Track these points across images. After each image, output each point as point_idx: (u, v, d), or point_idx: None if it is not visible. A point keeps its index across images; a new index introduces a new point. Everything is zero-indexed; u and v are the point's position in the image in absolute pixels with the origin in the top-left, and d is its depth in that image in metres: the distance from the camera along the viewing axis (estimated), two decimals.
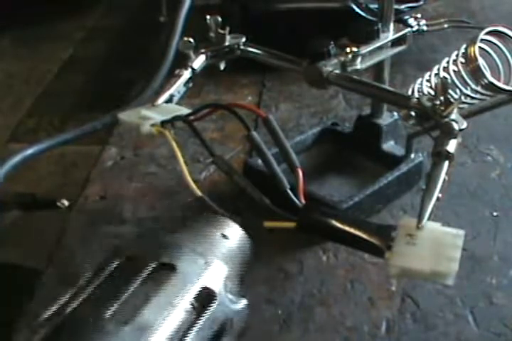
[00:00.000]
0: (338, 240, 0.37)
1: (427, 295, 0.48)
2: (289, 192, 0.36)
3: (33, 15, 1.01)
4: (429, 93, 0.53)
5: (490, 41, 0.50)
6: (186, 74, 0.52)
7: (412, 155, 0.58)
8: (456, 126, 0.42)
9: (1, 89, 0.85)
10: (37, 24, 1.01)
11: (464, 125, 0.42)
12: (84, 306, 0.34)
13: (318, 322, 0.47)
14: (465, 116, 0.44)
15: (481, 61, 0.49)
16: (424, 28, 0.57)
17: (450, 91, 0.48)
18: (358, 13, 0.76)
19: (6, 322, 0.49)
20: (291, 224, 0.35)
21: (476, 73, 0.49)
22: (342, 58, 0.51)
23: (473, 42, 0.49)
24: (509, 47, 0.50)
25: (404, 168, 0.57)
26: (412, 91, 0.54)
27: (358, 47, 0.51)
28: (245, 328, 0.46)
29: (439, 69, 0.52)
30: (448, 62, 0.52)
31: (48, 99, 0.82)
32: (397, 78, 0.75)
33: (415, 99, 0.46)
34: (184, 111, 0.45)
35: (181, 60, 0.54)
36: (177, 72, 0.53)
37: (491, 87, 0.49)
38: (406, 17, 0.56)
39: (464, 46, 0.51)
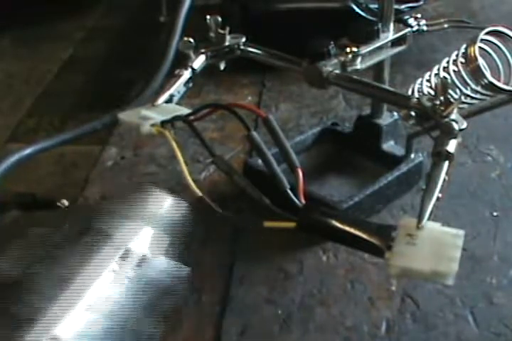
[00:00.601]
0: (338, 240, 0.37)
1: (427, 295, 0.49)
2: (289, 192, 0.36)
3: (33, 15, 1.01)
4: (429, 93, 0.53)
5: (490, 41, 0.50)
6: (186, 74, 0.52)
7: (412, 155, 0.58)
8: (456, 126, 0.42)
9: (1, 89, 0.85)
10: (37, 24, 1.01)
11: (464, 125, 0.42)
12: (15, 266, 0.37)
13: (318, 322, 0.47)
14: (465, 116, 0.44)
15: (481, 61, 0.49)
16: (424, 28, 0.57)
17: (450, 91, 0.48)
18: (358, 13, 0.76)
19: None
20: (291, 224, 0.35)
21: (476, 73, 0.49)
22: (342, 58, 0.51)
23: (473, 42, 0.49)
24: (509, 47, 0.50)
25: (404, 168, 0.57)
26: (412, 92, 0.54)
27: (358, 47, 0.51)
28: (245, 328, 0.47)
29: (439, 69, 0.52)
30: (448, 62, 0.52)
31: (48, 99, 0.82)
32: (397, 78, 0.75)
33: (415, 99, 0.46)
34: (184, 111, 0.45)
35: (181, 60, 0.54)
36: (177, 72, 0.53)
37: (490, 87, 0.49)
38: (406, 17, 0.56)
39: (464, 46, 0.51)
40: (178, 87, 0.51)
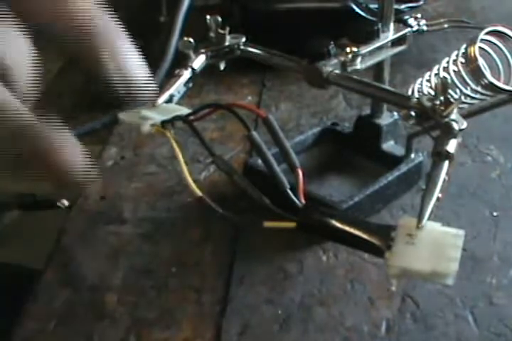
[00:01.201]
0: (338, 240, 0.37)
1: (427, 295, 0.48)
2: (289, 192, 0.36)
3: None
4: (429, 93, 0.53)
5: (490, 41, 0.50)
6: (186, 74, 0.52)
7: (412, 155, 0.58)
8: (456, 126, 0.42)
9: None
10: None
11: (464, 125, 0.42)
12: None
13: (318, 322, 0.47)
14: (465, 116, 0.44)
15: (481, 61, 0.49)
16: (424, 28, 0.57)
17: (450, 91, 0.48)
18: (358, 13, 0.76)
19: (5, 323, 0.49)
20: (291, 224, 0.35)
21: (476, 73, 0.49)
22: (342, 58, 0.51)
23: (473, 42, 0.49)
24: (509, 48, 0.50)
25: (404, 168, 0.57)
26: (412, 92, 0.54)
27: (358, 47, 0.51)
28: (245, 328, 0.47)
29: (439, 70, 0.52)
30: (448, 62, 0.52)
31: (48, 99, 0.82)
32: (397, 78, 0.75)
33: (415, 99, 0.46)
34: (184, 111, 0.45)
35: (181, 60, 0.54)
36: (177, 72, 0.53)
37: (490, 87, 0.49)
38: (406, 17, 0.56)
39: (464, 46, 0.51)
40: (178, 87, 0.51)
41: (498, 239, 0.54)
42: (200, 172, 0.63)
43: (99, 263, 0.53)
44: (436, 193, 0.37)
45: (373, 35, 0.53)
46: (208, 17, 0.54)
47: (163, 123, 0.44)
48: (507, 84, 0.50)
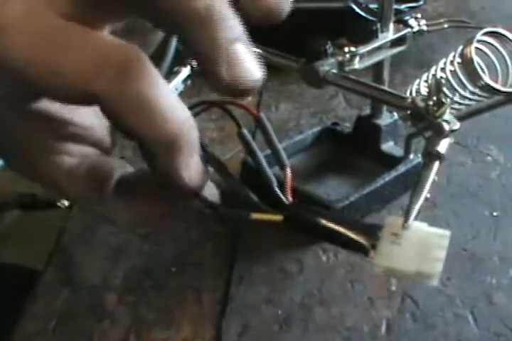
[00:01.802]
0: (325, 238, 0.36)
1: (427, 295, 0.49)
2: (277, 189, 0.36)
3: None
4: (427, 93, 0.52)
5: (487, 42, 0.50)
6: (185, 71, 0.52)
7: (411, 156, 0.58)
8: (447, 127, 0.42)
9: None
10: None
11: (457, 126, 0.42)
12: None
13: (318, 322, 0.47)
14: (462, 118, 0.44)
15: (478, 62, 0.49)
16: (424, 28, 0.57)
17: (447, 92, 0.48)
18: (358, 13, 0.76)
19: (5, 323, 0.49)
20: (278, 217, 0.35)
21: (473, 74, 0.49)
22: (340, 58, 0.51)
23: (469, 43, 0.49)
24: (506, 49, 0.50)
25: (402, 168, 0.57)
26: (410, 92, 0.54)
27: (356, 47, 0.51)
28: (245, 328, 0.47)
29: (436, 70, 0.52)
30: (445, 63, 0.52)
31: None
32: (397, 78, 0.75)
33: (409, 100, 0.46)
34: None
35: (180, 58, 0.54)
36: (175, 69, 0.52)
37: (486, 88, 0.49)
38: (406, 17, 0.56)
39: (461, 47, 0.50)
40: (175, 84, 0.51)
41: (498, 239, 0.54)
42: None
43: (99, 263, 0.53)
44: (424, 193, 0.37)
45: (372, 35, 0.53)
46: None
47: None
48: (505, 85, 0.50)
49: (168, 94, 0.26)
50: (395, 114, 0.60)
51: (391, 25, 0.55)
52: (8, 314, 0.50)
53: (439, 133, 0.41)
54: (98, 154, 0.33)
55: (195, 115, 0.44)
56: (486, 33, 0.49)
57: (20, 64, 0.24)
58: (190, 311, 0.49)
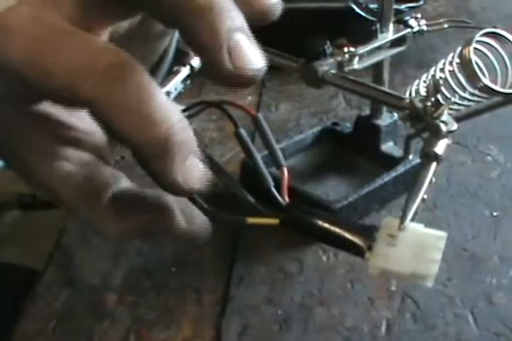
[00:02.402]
0: (321, 239, 0.36)
1: (427, 295, 0.49)
2: (273, 189, 0.36)
3: None
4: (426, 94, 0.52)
5: (486, 43, 0.50)
6: (184, 71, 0.52)
7: (411, 157, 0.58)
8: (444, 128, 0.42)
9: None
10: None
11: (455, 127, 0.42)
12: None
13: (318, 322, 0.47)
14: (461, 118, 0.44)
15: (476, 63, 0.49)
16: (424, 28, 0.57)
17: (446, 93, 0.48)
18: (357, 13, 0.76)
19: (5, 323, 0.49)
20: (274, 221, 0.35)
21: (471, 75, 0.49)
22: (339, 58, 0.51)
23: (468, 43, 0.49)
24: (506, 49, 0.50)
25: (401, 169, 0.57)
26: (410, 93, 0.54)
27: (355, 47, 0.51)
28: (245, 328, 0.47)
29: (435, 71, 0.52)
30: (444, 64, 0.52)
31: None
32: (397, 78, 0.75)
33: (407, 100, 0.46)
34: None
35: (180, 58, 0.54)
36: (175, 69, 0.52)
37: (485, 89, 0.49)
38: (406, 17, 0.56)
39: (460, 48, 0.50)
40: (175, 84, 0.51)
41: (498, 239, 0.54)
42: None
43: (99, 263, 0.53)
44: (421, 195, 0.36)
45: (371, 35, 0.53)
46: None
47: None
48: (504, 86, 0.50)
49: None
50: (395, 114, 0.60)
51: (391, 26, 0.55)
52: (8, 314, 0.50)
53: (437, 134, 0.41)
54: (97, 163, 0.33)
55: (194, 115, 0.44)
56: (485, 34, 0.49)
57: (18, 64, 0.24)
58: (190, 311, 0.49)
